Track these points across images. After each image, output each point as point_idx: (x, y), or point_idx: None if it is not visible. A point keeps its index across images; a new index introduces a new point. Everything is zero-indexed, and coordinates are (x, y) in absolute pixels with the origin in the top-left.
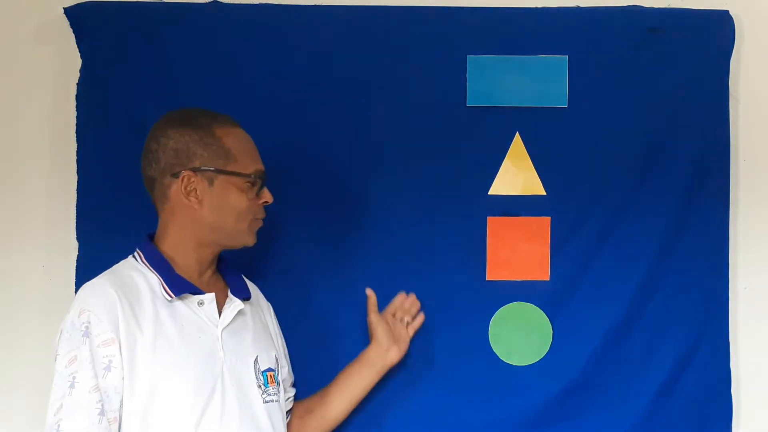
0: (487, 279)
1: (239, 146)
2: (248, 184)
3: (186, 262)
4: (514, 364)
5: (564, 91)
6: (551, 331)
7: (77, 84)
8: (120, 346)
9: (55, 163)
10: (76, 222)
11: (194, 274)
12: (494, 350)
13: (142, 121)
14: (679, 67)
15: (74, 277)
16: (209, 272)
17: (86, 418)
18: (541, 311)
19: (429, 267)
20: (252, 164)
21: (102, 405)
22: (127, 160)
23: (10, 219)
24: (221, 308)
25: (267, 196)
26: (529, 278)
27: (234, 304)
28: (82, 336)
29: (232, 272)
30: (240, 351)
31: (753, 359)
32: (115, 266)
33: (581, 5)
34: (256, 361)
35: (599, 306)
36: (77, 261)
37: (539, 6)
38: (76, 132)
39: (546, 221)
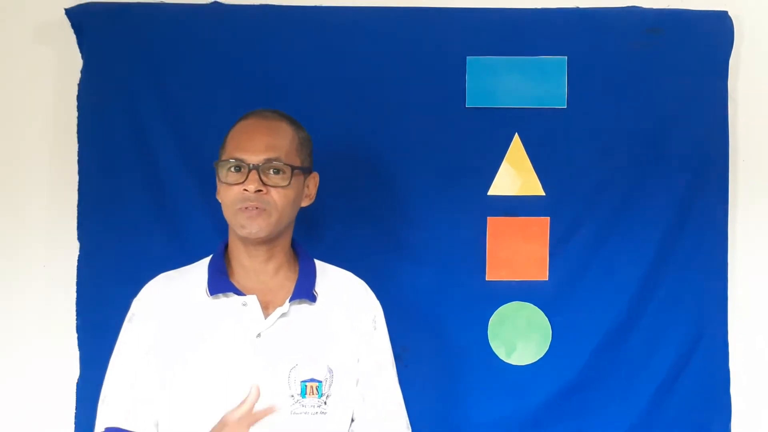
0: (487, 279)
1: (231, 135)
2: (228, 171)
3: (240, 261)
4: (514, 364)
5: (563, 92)
6: (550, 331)
7: (78, 84)
8: (155, 337)
9: (56, 163)
10: (77, 222)
11: (249, 272)
12: (494, 350)
13: (142, 121)
14: (678, 67)
15: (75, 277)
16: (271, 270)
17: (118, 391)
18: (541, 311)
19: (429, 267)
20: (232, 151)
21: (133, 381)
22: (128, 160)
23: (11, 219)
24: (275, 309)
25: (247, 183)
26: (529, 278)
27: (279, 307)
28: (128, 322)
29: (306, 272)
30: (274, 357)
31: (752, 359)
32: (195, 263)
33: (580, 6)
34: (294, 368)
35: (598, 306)
36: (78, 261)
37: (539, 7)
38: (77, 132)
39: (545, 221)
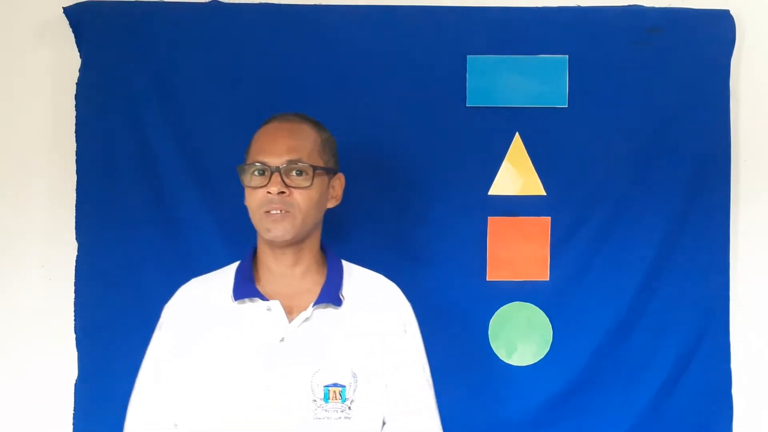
0: (487, 279)
1: (254, 140)
2: (251, 176)
3: (267, 265)
4: (514, 364)
5: (564, 91)
6: (551, 331)
7: (76, 84)
8: (180, 344)
9: (55, 162)
10: (76, 222)
11: (276, 277)
12: (494, 350)
13: (141, 120)
14: (680, 66)
15: (74, 277)
16: (298, 274)
17: (144, 394)
18: (541, 311)
19: (429, 267)
20: (255, 155)
21: (157, 387)
22: (126, 160)
23: (10, 219)
24: (299, 314)
25: (270, 186)
26: (529, 278)
27: (303, 311)
28: (158, 329)
29: (333, 276)
30: (296, 361)
31: (754, 359)
32: (225, 267)
33: (581, 5)
34: (316, 373)
35: (599, 306)
36: (77, 261)
37: (540, 5)
38: (76, 132)
39: (546, 221)
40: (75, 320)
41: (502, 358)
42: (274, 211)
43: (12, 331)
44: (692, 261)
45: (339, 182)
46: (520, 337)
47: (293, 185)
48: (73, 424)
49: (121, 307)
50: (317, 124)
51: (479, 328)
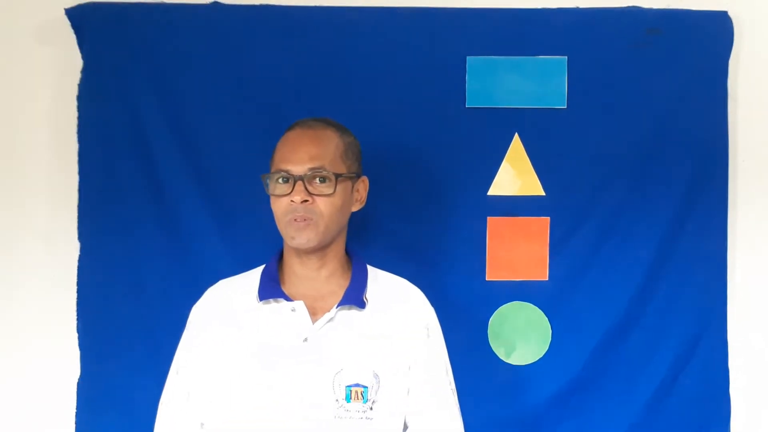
0: (487, 279)
1: (278, 147)
2: (275, 184)
3: (293, 268)
4: (513, 363)
5: (563, 92)
6: (550, 331)
7: (78, 85)
8: (203, 343)
9: (57, 163)
10: (78, 222)
11: (301, 279)
12: (494, 350)
13: (142, 121)
14: (678, 67)
15: (75, 277)
16: (323, 277)
17: (172, 394)
18: (540, 311)
19: (429, 267)
20: (278, 163)
21: (185, 387)
22: (128, 160)
23: (11, 219)
24: (323, 315)
25: (293, 194)
26: (529, 278)
27: (327, 312)
28: (186, 330)
29: (357, 278)
30: (319, 361)
31: (751, 359)
32: (253, 270)
33: (580, 6)
34: (339, 373)
35: (598, 306)
36: (78, 261)
37: (539, 7)
38: (78, 132)
39: (545, 221)
40: (77, 320)
41: (501, 357)
42: (299, 219)
43: (14, 330)
44: (690, 261)
45: (363, 185)
46: (519, 337)
47: (316, 193)
48: (76, 423)
49: (123, 306)
50: (341, 128)
51: (478, 327)
